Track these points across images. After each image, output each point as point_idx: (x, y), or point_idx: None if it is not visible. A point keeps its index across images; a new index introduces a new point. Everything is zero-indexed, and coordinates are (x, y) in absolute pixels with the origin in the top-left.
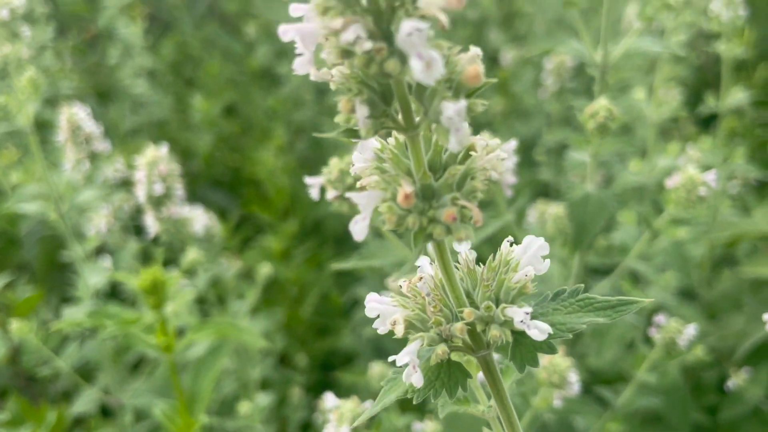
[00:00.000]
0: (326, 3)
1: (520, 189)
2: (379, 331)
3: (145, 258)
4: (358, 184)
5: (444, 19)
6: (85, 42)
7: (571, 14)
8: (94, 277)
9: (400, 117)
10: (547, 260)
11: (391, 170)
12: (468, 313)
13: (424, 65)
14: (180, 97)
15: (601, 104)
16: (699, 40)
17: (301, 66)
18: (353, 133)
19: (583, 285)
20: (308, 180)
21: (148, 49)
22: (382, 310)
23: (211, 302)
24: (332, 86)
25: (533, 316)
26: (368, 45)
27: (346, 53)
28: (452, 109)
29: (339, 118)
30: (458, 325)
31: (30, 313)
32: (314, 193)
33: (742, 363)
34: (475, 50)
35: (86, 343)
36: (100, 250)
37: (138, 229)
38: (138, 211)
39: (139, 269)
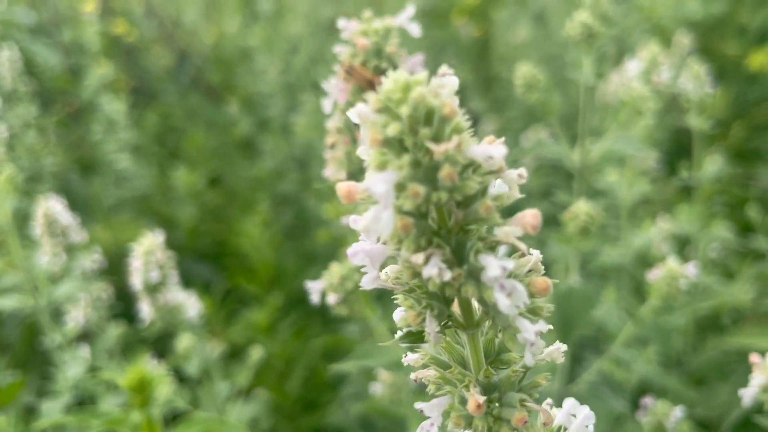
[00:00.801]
0: (400, 235)
1: None
2: None
3: (127, 344)
4: (411, 376)
5: (523, 247)
6: (69, 116)
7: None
8: (72, 369)
9: (459, 315)
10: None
11: (447, 360)
12: None
13: (506, 296)
14: (164, 168)
15: (582, 209)
16: (674, 103)
17: (368, 283)
18: (417, 338)
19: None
20: (309, 284)
21: (132, 123)
22: None
23: (197, 381)
24: (397, 293)
25: None
26: (448, 275)
27: (418, 275)
28: (532, 330)
29: (400, 322)
30: None
31: (11, 401)
32: (315, 298)
33: None
34: (536, 255)
35: None
36: (81, 337)
37: (117, 317)
38: (119, 298)
39: (120, 357)
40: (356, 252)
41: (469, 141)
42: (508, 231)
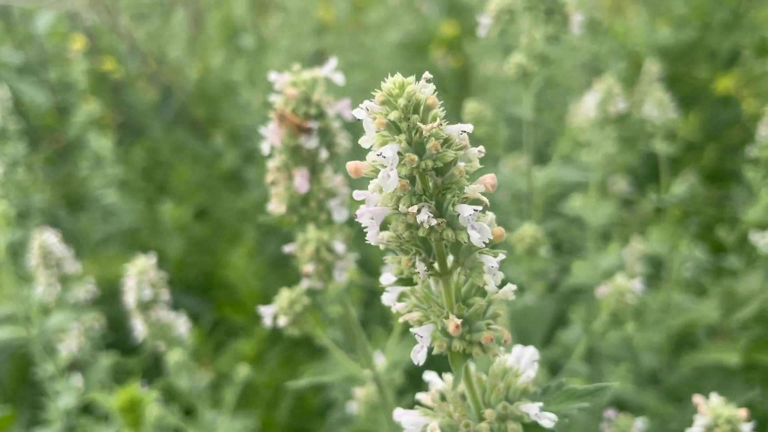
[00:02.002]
0: (399, 193)
1: None
2: None
3: (117, 374)
4: (400, 320)
5: (485, 200)
6: (56, 152)
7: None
8: (63, 398)
9: (436, 265)
10: (536, 364)
11: (423, 305)
12: (489, 413)
13: (476, 233)
14: (151, 202)
15: (527, 231)
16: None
17: (372, 237)
18: (407, 282)
19: (564, 380)
20: (261, 309)
21: (118, 158)
22: (417, 422)
23: (186, 412)
24: (382, 247)
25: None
26: (434, 221)
27: (410, 226)
28: (493, 261)
29: (394, 272)
30: (483, 425)
31: None
32: (267, 321)
33: None
34: (491, 216)
35: None
36: (72, 367)
37: (109, 346)
38: (110, 329)
39: (112, 386)
40: (363, 213)
41: (445, 124)
42: (475, 188)
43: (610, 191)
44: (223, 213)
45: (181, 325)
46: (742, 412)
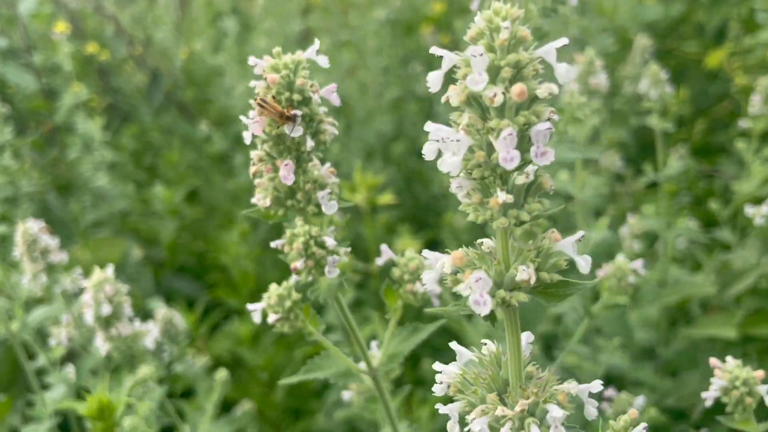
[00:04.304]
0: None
1: None
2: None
3: (111, 362)
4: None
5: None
6: (44, 136)
7: None
8: (54, 392)
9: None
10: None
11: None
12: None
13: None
14: (141, 185)
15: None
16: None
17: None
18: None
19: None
20: (249, 306)
21: (107, 142)
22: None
23: (177, 396)
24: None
25: None
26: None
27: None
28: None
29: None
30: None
31: None
32: (256, 317)
33: (699, 424)
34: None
35: None
36: (65, 359)
37: None
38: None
39: (104, 375)
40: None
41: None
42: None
43: (602, 166)
44: (214, 195)
45: (148, 336)
46: (760, 374)
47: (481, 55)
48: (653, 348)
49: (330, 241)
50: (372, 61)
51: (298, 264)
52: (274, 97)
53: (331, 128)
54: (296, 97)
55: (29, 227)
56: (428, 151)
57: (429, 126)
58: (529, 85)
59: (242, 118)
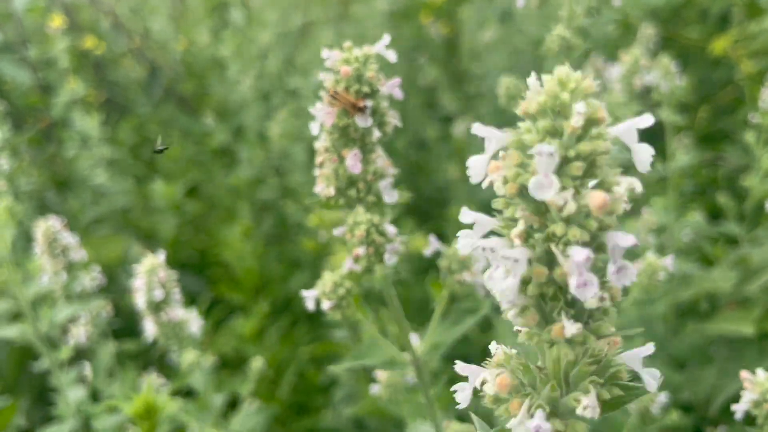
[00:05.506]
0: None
1: None
2: None
3: (124, 360)
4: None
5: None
6: (41, 132)
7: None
8: (74, 392)
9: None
10: None
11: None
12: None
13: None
14: (141, 180)
15: None
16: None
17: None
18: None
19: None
20: (304, 293)
21: (105, 137)
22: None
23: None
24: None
25: None
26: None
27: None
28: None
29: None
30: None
31: (4, 427)
32: (310, 305)
33: (718, 420)
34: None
35: None
36: (78, 356)
37: (116, 333)
38: (117, 315)
39: (119, 377)
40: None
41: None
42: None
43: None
44: (215, 190)
45: (193, 323)
46: None
47: (551, 154)
48: (662, 342)
49: (391, 229)
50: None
51: (360, 251)
52: (345, 89)
53: (394, 120)
54: (365, 89)
55: (51, 225)
56: (463, 247)
57: (466, 215)
58: (606, 181)
59: (310, 109)
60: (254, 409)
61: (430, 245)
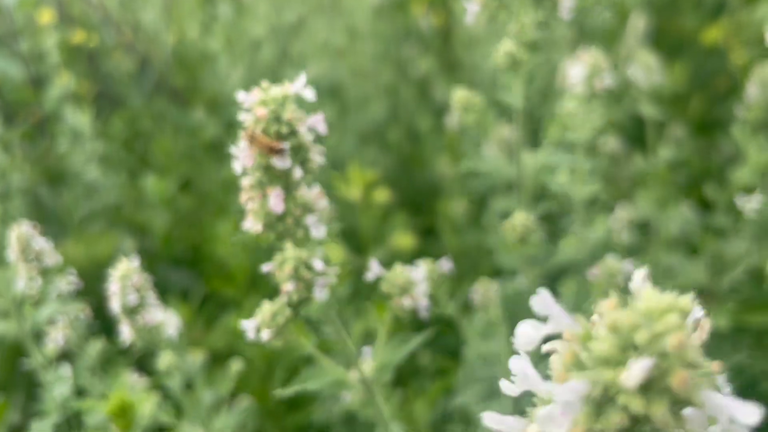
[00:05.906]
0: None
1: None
2: None
3: (106, 360)
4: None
5: None
6: (33, 126)
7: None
8: (58, 389)
9: None
10: None
11: None
12: None
13: None
14: (133, 175)
15: (519, 220)
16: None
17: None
18: None
19: None
20: (244, 323)
21: (97, 132)
22: None
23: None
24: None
25: None
26: None
27: None
28: None
29: None
30: None
31: None
32: (250, 335)
33: None
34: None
35: None
36: (62, 357)
37: (96, 333)
38: (96, 315)
39: (101, 377)
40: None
41: None
42: None
43: (600, 150)
44: (207, 184)
45: (170, 325)
46: None
47: None
48: None
49: (318, 264)
50: (365, 45)
51: (288, 287)
52: (263, 131)
53: (318, 157)
54: (284, 129)
55: (24, 231)
56: None
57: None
58: None
59: (231, 149)
60: (241, 406)
61: (372, 270)
